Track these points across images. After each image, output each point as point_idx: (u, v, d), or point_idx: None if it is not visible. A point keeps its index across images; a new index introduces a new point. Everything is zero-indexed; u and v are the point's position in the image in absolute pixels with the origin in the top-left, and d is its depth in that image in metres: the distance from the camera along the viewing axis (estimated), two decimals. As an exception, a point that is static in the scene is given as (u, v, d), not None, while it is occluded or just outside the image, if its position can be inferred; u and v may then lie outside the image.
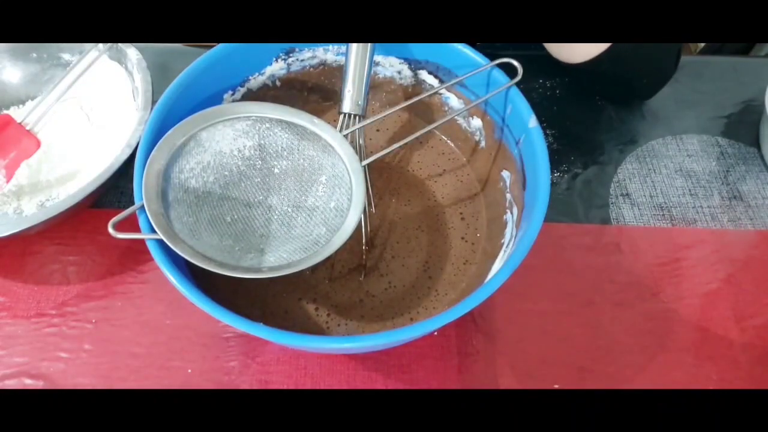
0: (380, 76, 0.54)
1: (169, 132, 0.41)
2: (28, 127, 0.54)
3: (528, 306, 0.49)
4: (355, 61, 0.46)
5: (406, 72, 0.53)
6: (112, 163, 0.47)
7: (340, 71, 0.49)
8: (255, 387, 0.45)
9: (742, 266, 0.52)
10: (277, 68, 0.52)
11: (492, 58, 0.47)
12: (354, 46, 0.46)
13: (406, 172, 0.54)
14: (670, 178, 0.57)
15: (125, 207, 0.39)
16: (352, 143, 0.45)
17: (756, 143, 0.59)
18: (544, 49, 0.55)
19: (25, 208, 0.52)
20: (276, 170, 0.45)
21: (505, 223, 0.47)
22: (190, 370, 0.46)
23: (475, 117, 0.52)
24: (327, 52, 0.52)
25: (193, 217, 0.41)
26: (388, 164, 0.54)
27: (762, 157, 0.58)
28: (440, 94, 0.53)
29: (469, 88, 0.50)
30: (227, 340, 0.47)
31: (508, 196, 0.48)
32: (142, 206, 0.39)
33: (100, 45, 0.55)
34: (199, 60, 0.46)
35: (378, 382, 0.46)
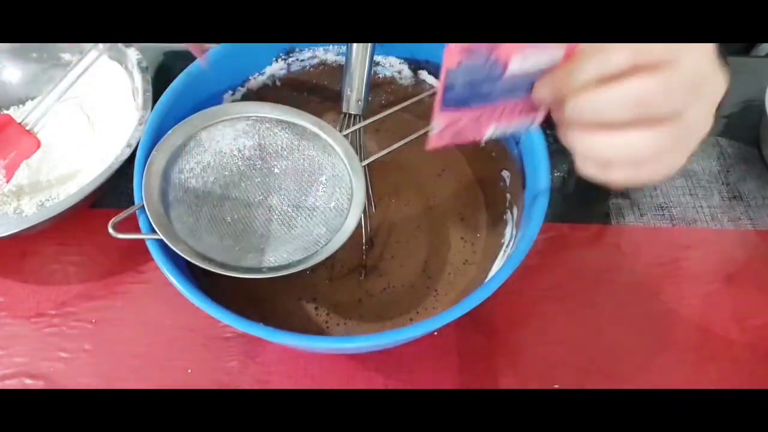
0: (380, 76, 0.54)
1: (169, 132, 0.41)
2: (28, 127, 0.54)
3: (528, 306, 0.49)
4: (355, 61, 0.46)
5: (406, 72, 0.53)
6: (112, 163, 0.47)
7: (340, 71, 0.49)
8: (255, 387, 0.45)
9: (742, 266, 0.52)
10: (277, 68, 0.52)
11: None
12: (354, 46, 0.46)
13: (406, 172, 0.54)
14: (670, 178, 0.57)
15: (125, 207, 0.39)
16: (353, 143, 0.45)
17: (756, 143, 0.59)
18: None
19: (25, 208, 0.52)
20: (276, 170, 0.45)
21: (505, 223, 0.47)
22: (190, 370, 0.46)
23: (475, 117, 0.52)
24: (327, 52, 0.52)
25: (193, 217, 0.41)
26: (388, 164, 0.54)
27: (762, 157, 0.58)
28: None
29: (469, 88, 0.50)
30: (227, 340, 0.47)
31: (508, 196, 0.48)
32: (142, 206, 0.39)
33: (100, 45, 0.55)
34: (200, 60, 0.46)
35: (378, 382, 0.46)
